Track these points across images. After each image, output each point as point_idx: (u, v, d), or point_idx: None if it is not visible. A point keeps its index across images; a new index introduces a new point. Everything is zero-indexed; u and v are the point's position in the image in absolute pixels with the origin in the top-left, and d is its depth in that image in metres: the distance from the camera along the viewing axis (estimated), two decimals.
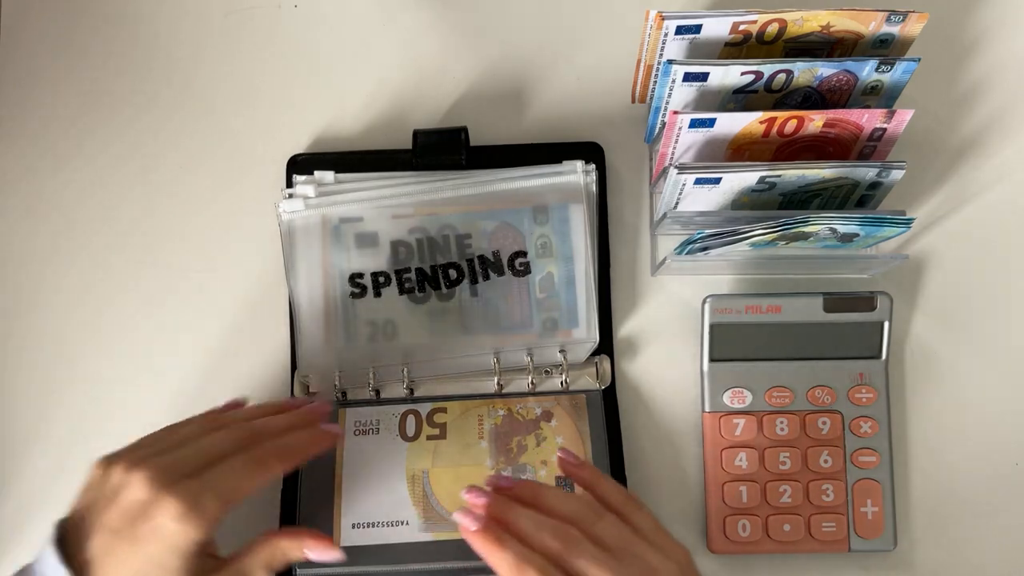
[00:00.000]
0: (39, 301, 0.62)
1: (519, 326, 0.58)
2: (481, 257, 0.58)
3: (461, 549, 0.55)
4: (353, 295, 0.58)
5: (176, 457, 0.44)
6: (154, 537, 0.41)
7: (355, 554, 0.55)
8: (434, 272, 0.58)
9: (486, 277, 0.58)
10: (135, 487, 0.42)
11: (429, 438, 0.58)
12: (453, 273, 0.58)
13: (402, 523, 0.56)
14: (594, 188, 0.59)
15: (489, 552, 0.45)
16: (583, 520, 0.46)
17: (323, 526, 0.56)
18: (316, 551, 0.47)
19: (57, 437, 0.60)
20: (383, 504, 0.56)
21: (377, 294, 0.58)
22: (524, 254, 0.59)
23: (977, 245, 0.61)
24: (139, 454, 0.44)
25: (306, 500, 0.57)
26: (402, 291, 0.58)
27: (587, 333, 0.58)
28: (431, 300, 0.58)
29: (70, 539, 0.43)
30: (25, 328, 0.61)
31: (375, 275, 0.58)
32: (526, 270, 0.59)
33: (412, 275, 0.58)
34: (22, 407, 0.60)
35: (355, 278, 0.58)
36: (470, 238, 0.59)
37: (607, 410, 0.58)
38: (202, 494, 0.42)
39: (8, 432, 0.60)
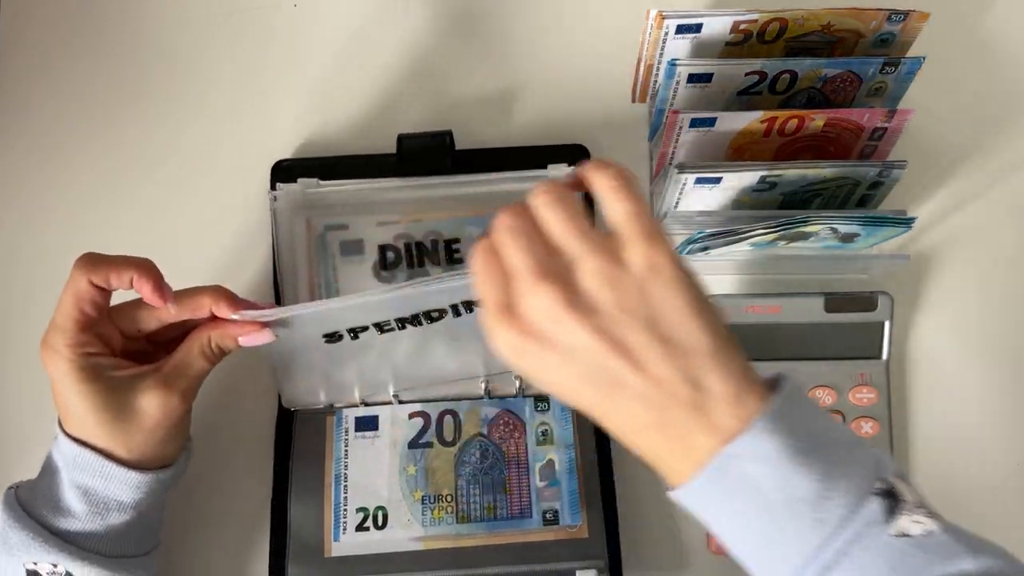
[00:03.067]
0: (36, 299, 0.61)
1: None
2: (466, 302, 0.52)
3: (455, 557, 0.54)
4: (328, 341, 0.52)
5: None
6: (53, 384, 0.48)
7: (347, 563, 0.55)
8: (415, 318, 0.52)
9: (470, 311, 0.52)
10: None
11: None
12: (436, 314, 0.52)
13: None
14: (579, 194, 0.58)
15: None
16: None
17: (313, 536, 0.55)
18: (248, 339, 0.49)
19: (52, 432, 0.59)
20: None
21: (355, 338, 0.53)
22: None
23: (978, 245, 0.61)
24: None
25: (295, 510, 0.56)
26: (382, 332, 0.53)
27: None
28: (410, 327, 0.53)
29: None
30: (25, 326, 0.61)
31: (351, 330, 0.52)
32: None
33: (392, 324, 0.52)
34: (22, 406, 0.60)
35: (329, 337, 0.52)
36: (459, 243, 0.58)
37: None
38: (48, 337, 0.47)
39: (8, 432, 0.60)
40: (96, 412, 0.47)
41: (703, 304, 0.39)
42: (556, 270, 0.39)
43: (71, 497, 0.48)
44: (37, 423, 0.60)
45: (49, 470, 0.49)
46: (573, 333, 0.38)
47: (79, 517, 0.48)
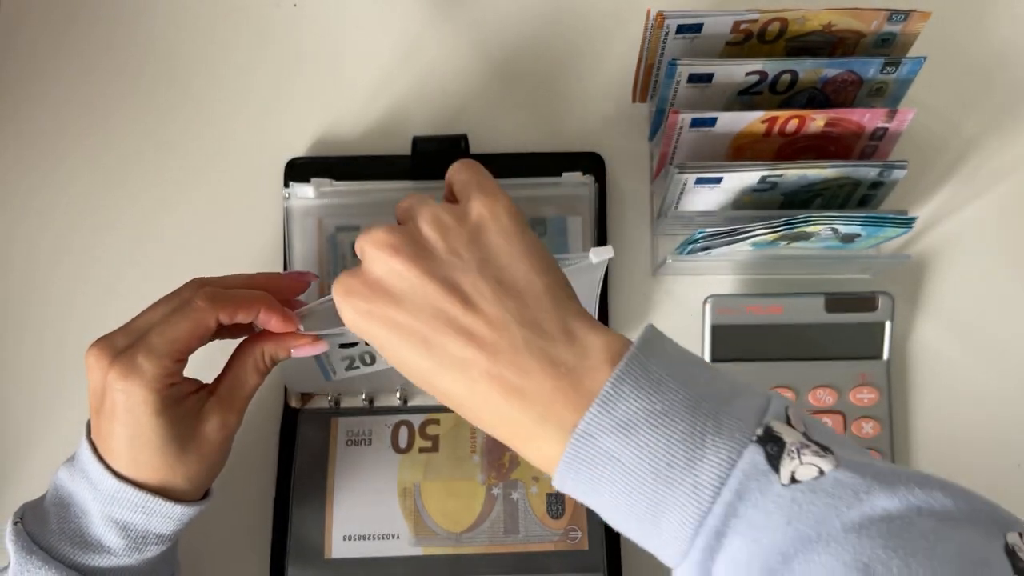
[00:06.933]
0: (39, 299, 0.61)
1: None
2: None
3: (452, 565, 0.54)
4: (343, 347, 0.53)
5: (122, 330, 0.44)
6: (117, 408, 0.43)
7: (346, 567, 0.55)
8: None
9: None
10: (90, 370, 0.44)
11: (421, 451, 0.57)
12: None
13: (393, 537, 0.55)
14: (593, 202, 0.58)
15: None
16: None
17: (314, 537, 0.55)
18: (301, 351, 0.47)
19: (57, 437, 0.59)
20: (374, 517, 0.55)
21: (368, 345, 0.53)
22: None
23: (980, 245, 0.61)
24: (99, 337, 0.45)
25: (297, 510, 0.56)
26: None
27: None
28: None
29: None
30: (26, 326, 0.61)
31: (363, 355, 0.53)
32: None
33: None
34: (22, 406, 0.60)
35: (345, 344, 0.52)
36: None
37: None
38: (135, 358, 0.43)
39: (8, 432, 0.60)
40: (166, 444, 0.44)
41: (535, 250, 0.39)
42: (398, 228, 0.40)
43: (106, 532, 0.45)
44: (35, 427, 0.60)
45: (65, 503, 0.46)
46: (402, 275, 0.38)
47: (115, 552, 0.46)
